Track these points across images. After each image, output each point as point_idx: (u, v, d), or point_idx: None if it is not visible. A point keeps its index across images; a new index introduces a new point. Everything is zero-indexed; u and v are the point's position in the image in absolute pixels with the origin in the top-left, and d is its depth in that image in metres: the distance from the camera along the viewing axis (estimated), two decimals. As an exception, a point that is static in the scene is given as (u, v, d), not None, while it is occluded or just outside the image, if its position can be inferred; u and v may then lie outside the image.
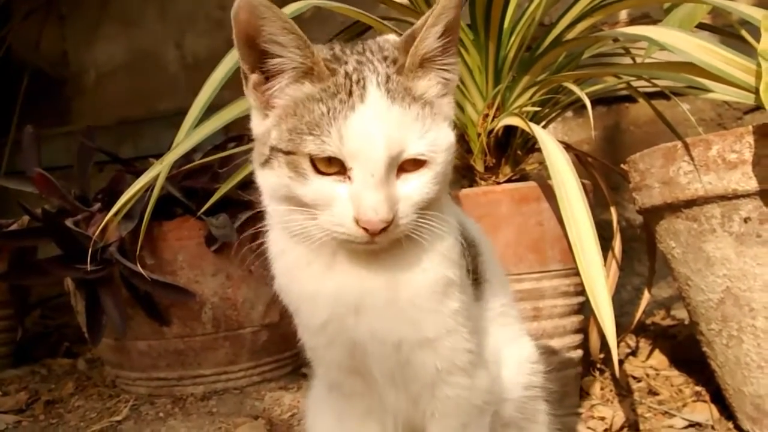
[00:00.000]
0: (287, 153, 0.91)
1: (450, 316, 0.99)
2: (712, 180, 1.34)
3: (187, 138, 1.43)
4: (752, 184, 1.29)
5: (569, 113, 2.73)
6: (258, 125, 0.99)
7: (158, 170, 1.49)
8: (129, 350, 2.07)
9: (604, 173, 2.01)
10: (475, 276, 1.07)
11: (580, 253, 1.26)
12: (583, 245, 1.27)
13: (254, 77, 0.96)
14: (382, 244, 0.92)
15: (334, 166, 0.90)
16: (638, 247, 2.68)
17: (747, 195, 1.31)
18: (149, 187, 1.78)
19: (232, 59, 1.46)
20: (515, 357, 1.14)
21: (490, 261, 1.18)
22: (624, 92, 2.67)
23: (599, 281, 1.24)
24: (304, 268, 1.00)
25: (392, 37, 1.03)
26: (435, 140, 0.93)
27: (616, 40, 1.70)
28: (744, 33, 1.37)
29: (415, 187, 0.93)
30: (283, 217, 0.96)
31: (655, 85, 1.69)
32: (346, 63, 0.94)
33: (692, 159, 1.36)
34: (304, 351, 1.10)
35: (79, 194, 2.15)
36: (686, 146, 1.37)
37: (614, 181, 2.28)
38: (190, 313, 2.01)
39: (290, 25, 0.91)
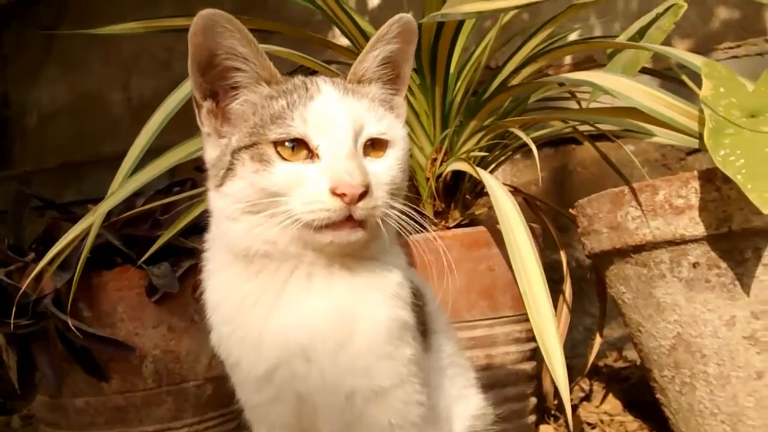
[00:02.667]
0: (251, 146, 0.91)
1: (404, 364, 0.94)
2: (660, 225, 1.34)
3: (122, 186, 1.37)
4: (699, 230, 1.29)
5: (517, 155, 2.75)
6: (214, 149, 0.97)
7: (91, 220, 1.42)
8: (65, 408, 1.96)
9: (553, 215, 2.01)
10: (422, 327, 1.03)
11: (529, 300, 1.24)
12: (532, 292, 1.25)
13: (207, 104, 0.96)
14: (360, 219, 0.88)
15: (299, 153, 0.90)
16: (588, 288, 2.68)
17: (695, 240, 1.31)
18: (86, 236, 1.71)
19: (170, 104, 1.41)
20: (464, 412, 1.10)
21: (436, 311, 1.14)
22: (570, 134, 2.71)
23: (550, 330, 1.22)
24: (249, 309, 0.94)
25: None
26: (390, 126, 0.96)
27: (561, 84, 1.71)
28: (684, 77, 1.38)
29: (383, 167, 0.93)
30: (246, 234, 0.92)
31: (599, 129, 1.69)
32: (295, 77, 0.99)
33: (639, 204, 1.35)
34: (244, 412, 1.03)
35: (12, 243, 2.05)
36: (633, 191, 1.36)
37: (563, 222, 2.28)
38: (131, 368, 1.91)
39: (249, 36, 0.92)
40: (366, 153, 0.93)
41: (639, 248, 1.38)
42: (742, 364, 1.30)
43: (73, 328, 1.72)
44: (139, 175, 1.42)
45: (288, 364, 0.92)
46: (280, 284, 0.93)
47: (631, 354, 2.50)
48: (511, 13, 1.77)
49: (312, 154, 0.90)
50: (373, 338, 0.93)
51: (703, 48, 2.50)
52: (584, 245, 1.55)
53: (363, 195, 0.87)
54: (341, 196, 0.86)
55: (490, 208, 2.48)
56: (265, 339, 0.93)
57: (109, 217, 2.02)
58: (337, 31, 1.71)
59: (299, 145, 0.90)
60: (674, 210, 1.32)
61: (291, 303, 0.93)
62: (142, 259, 1.81)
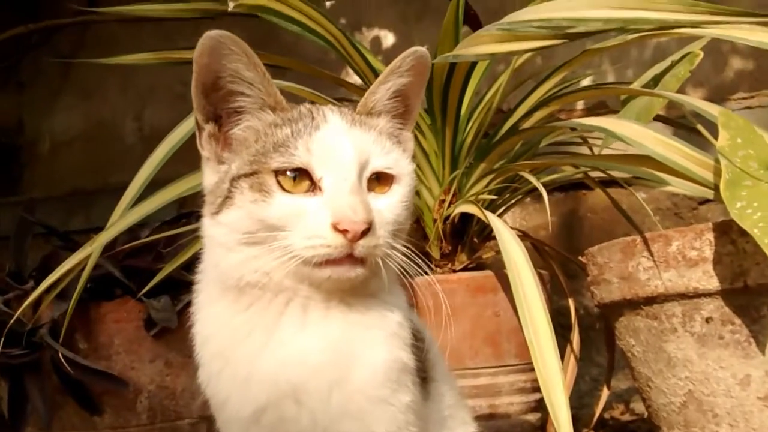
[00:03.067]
0: (251, 174, 0.87)
1: (401, 411, 0.89)
2: (672, 277, 1.29)
3: (123, 217, 1.34)
4: (713, 284, 1.25)
5: (527, 198, 2.72)
6: (212, 175, 0.94)
7: (89, 251, 1.40)
8: (56, 442, 1.91)
9: (562, 261, 1.97)
10: (422, 374, 0.98)
11: (535, 350, 1.19)
12: (539, 342, 1.21)
13: (209, 128, 0.93)
14: (361, 257, 0.85)
15: (301, 184, 0.87)
16: (596, 336, 2.63)
17: (708, 294, 1.26)
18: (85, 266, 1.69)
19: (176, 137, 1.40)
20: None
21: (436, 357, 1.08)
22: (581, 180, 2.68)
23: (555, 382, 1.17)
24: (240, 343, 0.89)
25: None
26: (397, 161, 0.93)
27: (573, 129, 1.69)
28: (699, 127, 1.36)
29: (388, 204, 0.90)
30: (240, 266, 0.89)
31: (611, 176, 1.66)
32: (301, 105, 0.96)
33: (652, 254, 1.31)
34: None
35: (14, 270, 2.03)
36: (645, 241, 1.32)
37: (572, 268, 2.24)
38: (125, 402, 1.87)
39: (257, 60, 0.90)
40: (370, 187, 0.90)
41: (650, 300, 1.34)
42: (757, 426, 1.25)
43: (64, 361, 1.68)
44: (141, 207, 1.40)
45: (277, 405, 0.87)
46: (274, 317, 0.89)
47: (638, 407, 2.43)
48: (524, 57, 1.76)
49: (314, 187, 0.87)
50: (369, 380, 0.88)
51: (716, 97, 2.48)
52: (594, 294, 1.51)
53: (365, 232, 0.84)
54: (343, 232, 0.83)
55: (498, 252, 2.46)
56: (255, 377, 0.88)
57: (113, 247, 2.00)
58: (350, 69, 1.70)
59: (301, 175, 0.87)
60: (687, 262, 1.28)
61: (284, 338, 0.88)
62: (143, 291, 1.78)
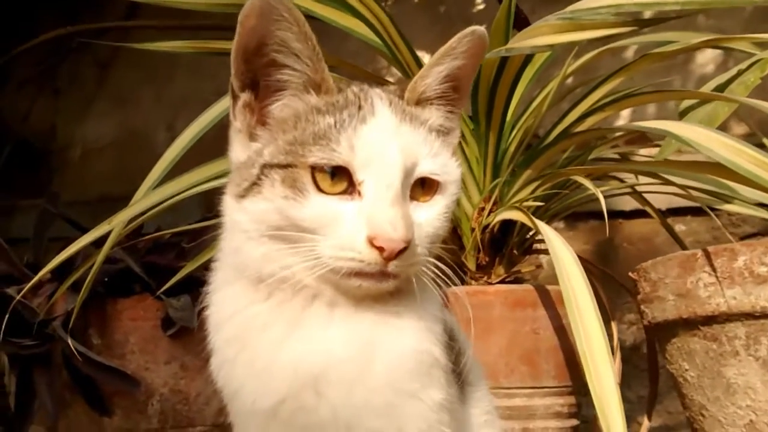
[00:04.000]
0: (285, 167, 0.80)
1: (433, 409, 0.82)
2: (737, 295, 1.19)
3: (146, 197, 1.27)
4: (785, 303, 1.15)
5: (561, 224, 2.63)
6: (242, 150, 0.86)
7: (107, 229, 1.32)
8: (61, 442, 1.83)
9: (603, 283, 1.87)
10: (458, 376, 0.90)
11: (590, 367, 1.09)
12: (594, 358, 1.10)
13: (245, 96, 0.85)
14: (394, 273, 0.79)
15: (339, 184, 0.79)
16: (627, 371, 2.51)
17: (778, 314, 1.16)
18: (106, 260, 1.61)
19: (205, 119, 1.33)
20: None
21: (472, 362, 0.99)
22: (619, 208, 2.59)
23: (613, 401, 1.07)
24: (257, 335, 0.82)
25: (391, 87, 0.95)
26: (445, 166, 0.85)
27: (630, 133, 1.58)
28: (765, 140, 1.27)
29: (429, 216, 0.83)
30: (263, 261, 0.82)
31: (667, 183, 1.55)
32: (350, 86, 0.87)
33: (714, 270, 1.21)
34: None
35: (31, 261, 1.97)
36: (707, 255, 1.23)
37: (609, 293, 2.14)
38: (136, 404, 1.79)
39: (308, 31, 0.82)
40: (413, 195, 0.83)
41: (710, 320, 1.24)
42: (826, 463, 1.13)
43: (76, 354, 1.60)
44: (165, 187, 1.32)
45: (296, 396, 0.80)
46: (297, 311, 0.83)
47: (671, 445, 2.31)
48: (575, 64, 1.68)
49: (353, 189, 0.79)
50: (396, 371, 0.81)
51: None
52: (644, 314, 1.40)
53: (403, 250, 0.77)
54: (379, 249, 0.76)
55: (538, 267, 2.36)
56: (275, 368, 0.81)
57: (135, 245, 1.94)
58: (393, 68, 1.63)
59: (340, 174, 0.80)
60: (755, 278, 1.18)
61: (307, 331, 0.82)
62: (162, 289, 1.71)
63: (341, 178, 0.79)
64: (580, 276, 1.21)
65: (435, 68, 0.87)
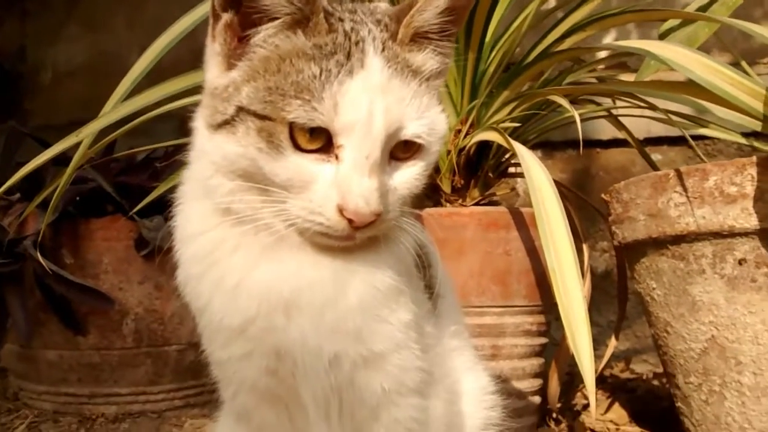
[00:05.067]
0: (262, 117, 0.75)
1: (401, 330, 0.82)
2: (706, 214, 1.21)
3: (116, 109, 1.24)
4: (752, 222, 1.17)
5: (538, 153, 2.63)
6: (218, 76, 0.80)
7: (74, 141, 1.29)
8: (36, 360, 1.83)
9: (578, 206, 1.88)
10: (429, 290, 0.91)
11: (559, 286, 1.10)
12: (563, 274, 1.12)
13: (227, 17, 0.79)
14: (361, 239, 0.78)
15: (317, 140, 0.75)
16: (598, 297, 2.57)
17: (745, 233, 1.18)
18: (78, 180, 1.59)
19: (178, 29, 1.29)
20: (472, 388, 0.97)
21: (444, 277, 0.99)
22: (596, 137, 2.59)
23: (579, 314, 1.09)
24: (227, 255, 0.81)
25: (383, 5, 0.87)
26: (432, 124, 0.80)
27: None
28: (744, 64, 1.26)
29: (406, 178, 0.80)
30: (231, 196, 0.78)
31: (645, 105, 1.55)
32: (342, 20, 0.79)
33: (685, 190, 1.23)
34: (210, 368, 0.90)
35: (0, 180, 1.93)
36: (679, 175, 1.24)
37: (582, 224, 2.16)
38: (110, 324, 1.79)
39: None
40: (393, 152, 0.78)
41: (679, 239, 1.26)
42: (784, 376, 1.18)
43: (56, 273, 1.60)
44: (135, 100, 1.28)
45: (266, 317, 0.80)
46: (270, 240, 0.80)
47: (638, 367, 2.38)
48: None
49: (331, 150, 0.76)
50: (366, 298, 0.80)
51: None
52: (614, 234, 1.42)
53: (373, 221, 0.76)
54: (348, 219, 0.75)
55: (512, 189, 2.37)
56: (245, 287, 0.80)
57: (107, 165, 1.91)
58: None
59: (320, 131, 0.75)
60: (725, 198, 1.19)
61: (280, 256, 0.80)
62: (135, 209, 1.69)
63: (320, 135, 0.75)
64: (553, 196, 1.21)
65: (435, 1, 0.79)
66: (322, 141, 0.75)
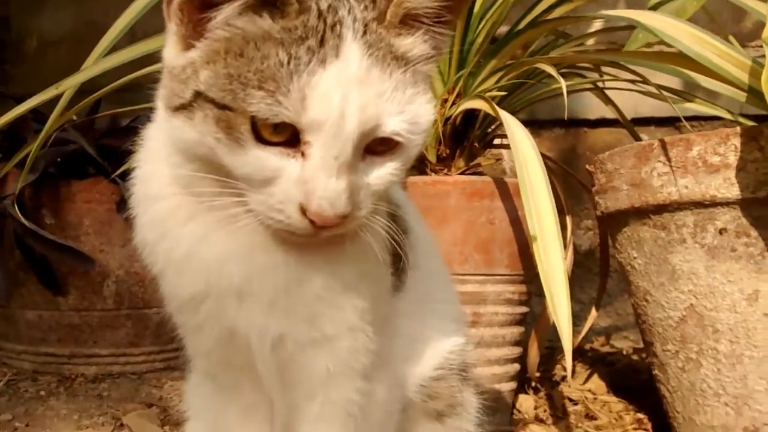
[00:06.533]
0: (221, 107, 0.68)
1: (355, 314, 0.80)
2: (689, 184, 1.22)
3: (98, 63, 1.22)
4: (734, 192, 1.18)
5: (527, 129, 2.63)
6: (175, 56, 0.73)
7: (54, 93, 1.28)
8: (16, 319, 1.82)
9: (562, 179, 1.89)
10: (398, 264, 0.87)
11: (540, 248, 1.11)
12: (545, 240, 1.12)
13: None
14: (327, 236, 0.73)
15: (282, 133, 0.68)
16: (581, 274, 2.60)
17: (726, 203, 1.19)
18: (59, 141, 1.57)
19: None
20: (436, 350, 0.97)
21: (422, 240, 0.97)
22: (583, 116, 2.60)
23: (559, 279, 1.10)
24: (179, 225, 0.78)
25: None
26: (415, 117, 0.72)
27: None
28: (732, 38, 1.27)
29: (381, 175, 0.73)
30: (190, 179, 0.74)
31: (632, 77, 1.55)
32: (317, 1, 0.70)
33: (669, 159, 1.24)
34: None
35: (-21, 140, 1.91)
36: (663, 145, 1.24)
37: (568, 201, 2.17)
38: (91, 285, 1.78)
39: None
40: (370, 147, 0.72)
41: (661, 208, 1.27)
42: (760, 344, 1.19)
43: (35, 232, 1.58)
44: (115, 56, 1.26)
45: (218, 297, 0.77)
46: (226, 217, 0.76)
47: (618, 343, 2.41)
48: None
49: (297, 145, 0.69)
50: (322, 292, 0.78)
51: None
52: (597, 205, 1.43)
53: (339, 223, 0.70)
54: (311, 220, 0.69)
55: (498, 160, 2.38)
56: (197, 260, 0.77)
57: (90, 127, 1.89)
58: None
59: (285, 125, 0.68)
60: (708, 168, 1.20)
61: (234, 235, 0.76)
62: (117, 172, 1.67)
63: (285, 129, 0.68)
64: (538, 164, 1.22)
65: None
66: (288, 134, 0.68)
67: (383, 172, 0.73)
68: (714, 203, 1.20)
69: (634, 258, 1.37)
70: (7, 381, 1.75)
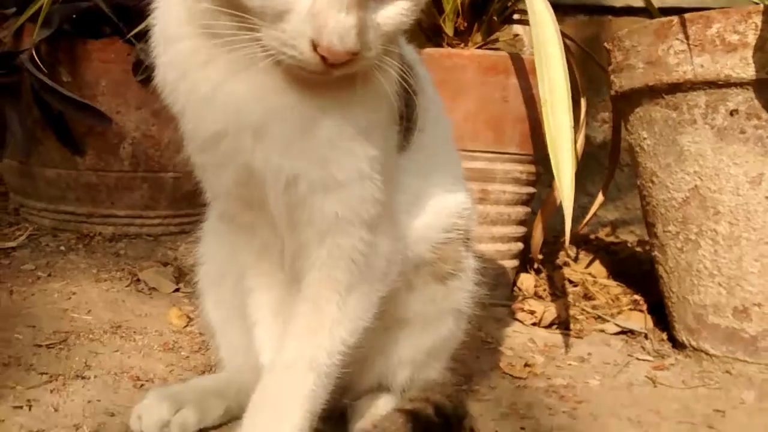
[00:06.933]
0: None
1: (365, 161, 0.82)
2: (704, 62, 1.20)
3: None
4: (749, 72, 1.16)
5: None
6: None
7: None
8: (35, 177, 1.87)
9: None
10: (407, 124, 0.89)
11: (549, 112, 1.11)
12: (554, 104, 1.12)
13: None
14: (340, 74, 0.73)
15: None
16: (592, 167, 2.59)
17: (740, 84, 1.18)
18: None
19: None
20: (442, 199, 0.99)
21: (431, 101, 0.99)
22: (609, 3, 2.52)
23: (564, 142, 1.10)
24: (198, 67, 0.79)
25: None
26: None
27: None
28: None
29: (392, 14, 0.74)
30: (206, 17, 0.75)
31: None
32: None
33: (687, 37, 1.21)
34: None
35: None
36: (683, 22, 1.21)
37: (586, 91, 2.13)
38: (107, 146, 1.81)
39: None
40: None
41: (675, 87, 1.25)
42: (758, 226, 1.21)
43: (53, 88, 1.60)
44: None
45: (236, 135, 0.80)
46: (245, 60, 0.77)
47: (624, 236, 2.44)
48: None
49: None
50: (335, 135, 0.80)
51: None
52: (612, 83, 1.42)
53: (350, 60, 0.71)
54: (322, 57, 0.70)
55: (515, 36, 2.34)
56: (217, 100, 0.79)
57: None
58: None
59: None
60: (725, 47, 1.18)
61: (253, 77, 0.77)
62: (133, 32, 1.67)
63: None
64: (557, 40, 1.20)
65: None
66: None
67: (393, 12, 0.74)
68: (728, 83, 1.18)
69: (644, 139, 1.36)
70: (28, 235, 1.82)
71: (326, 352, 0.86)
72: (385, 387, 1.02)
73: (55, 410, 1.01)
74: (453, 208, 0.99)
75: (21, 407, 1.00)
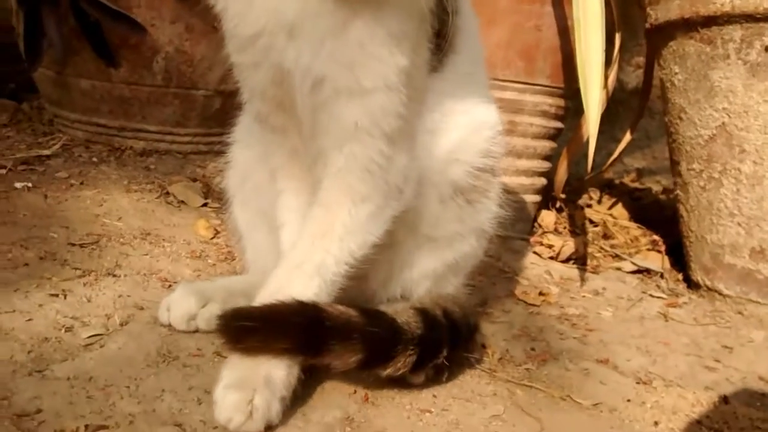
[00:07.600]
0: None
1: (394, 71, 0.83)
2: (743, -5, 1.18)
3: None
4: (789, 5, 1.14)
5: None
6: None
7: None
8: (70, 87, 1.90)
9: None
10: (439, 42, 0.89)
11: (581, 34, 1.10)
12: (587, 25, 1.11)
13: None
14: None
15: None
16: (623, 113, 2.56)
17: (778, 18, 1.16)
18: None
19: None
20: (473, 121, 0.99)
21: (468, 27, 0.99)
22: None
23: (595, 64, 1.10)
24: None
25: None
26: None
27: None
28: None
29: None
30: None
31: None
32: None
33: (728, -33, 1.19)
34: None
35: None
36: (725, -48, 1.19)
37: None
38: (141, 59, 1.83)
39: None
40: None
41: (710, 20, 1.24)
42: (783, 166, 1.20)
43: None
44: None
45: (272, 34, 0.82)
46: None
47: (649, 184, 2.42)
48: None
49: None
50: (366, 38, 0.81)
51: None
52: (648, 16, 1.40)
53: None
54: None
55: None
56: (256, 3, 0.82)
57: None
58: None
59: None
60: (767, -22, 1.15)
61: None
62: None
63: None
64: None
65: None
66: None
67: None
68: (766, 17, 1.17)
69: (676, 74, 1.35)
70: (62, 145, 1.86)
71: (334, 259, 0.88)
72: (405, 299, 1.05)
73: (88, 301, 1.06)
74: (488, 132, 1.00)
75: (57, 295, 1.05)
